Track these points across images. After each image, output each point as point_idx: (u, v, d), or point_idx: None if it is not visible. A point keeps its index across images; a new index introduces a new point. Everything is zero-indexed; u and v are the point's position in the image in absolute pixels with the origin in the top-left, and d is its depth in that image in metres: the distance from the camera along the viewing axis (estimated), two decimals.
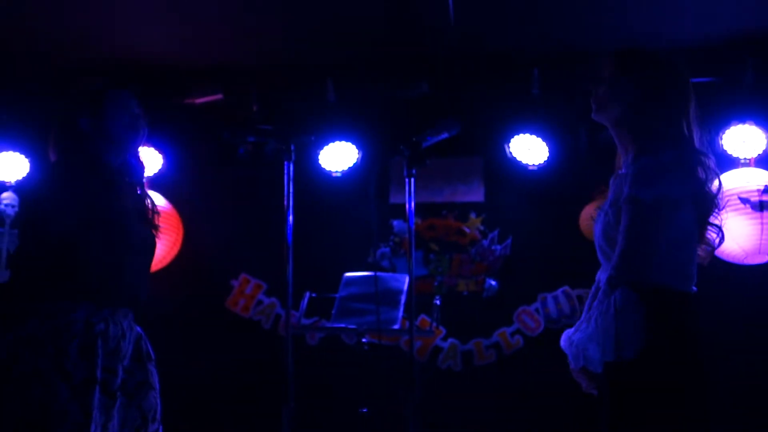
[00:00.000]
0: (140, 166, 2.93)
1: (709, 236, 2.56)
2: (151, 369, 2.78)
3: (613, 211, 2.49)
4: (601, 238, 2.56)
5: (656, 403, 2.33)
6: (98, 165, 2.75)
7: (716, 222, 2.55)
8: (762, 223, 4.40)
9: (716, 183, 2.52)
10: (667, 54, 2.66)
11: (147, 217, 2.87)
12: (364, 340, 3.96)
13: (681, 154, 2.45)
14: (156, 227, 2.90)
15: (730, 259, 4.60)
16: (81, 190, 2.65)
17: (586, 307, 2.77)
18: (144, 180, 2.97)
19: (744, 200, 4.45)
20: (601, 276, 2.60)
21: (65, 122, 2.79)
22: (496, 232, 5.29)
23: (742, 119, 4.73)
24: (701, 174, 2.46)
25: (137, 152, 2.93)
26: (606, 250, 2.53)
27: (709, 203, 2.51)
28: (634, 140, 2.54)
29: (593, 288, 2.79)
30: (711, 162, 2.51)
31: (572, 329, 2.72)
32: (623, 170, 2.55)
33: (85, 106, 2.79)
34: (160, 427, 2.77)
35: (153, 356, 2.81)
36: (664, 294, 2.41)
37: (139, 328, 2.78)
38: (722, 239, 2.58)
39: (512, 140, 5.03)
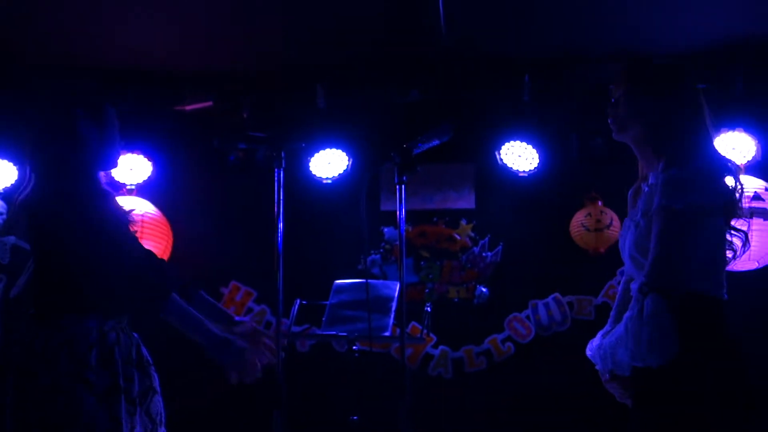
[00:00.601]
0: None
1: (734, 242, 2.58)
2: (153, 373, 2.78)
3: (645, 222, 2.50)
4: (633, 248, 2.56)
5: (684, 411, 2.32)
6: (84, 175, 2.73)
7: (742, 228, 2.57)
8: (751, 230, 4.41)
9: (740, 189, 2.54)
10: (677, 64, 2.69)
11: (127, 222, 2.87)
12: (354, 347, 3.94)
13: (709, 163, 2.48)
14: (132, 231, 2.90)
15: None
16: (83, 202, 2.63)
17: (612, 316, 2.79)
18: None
19: None
20: (633, 285, 2.61)
21: (62, 124, 2.74)
22: (486, 239, 5.29)
23: (732, 126, 4.75)
24: (728, 182, 2.50)
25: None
26: (639, 260, 2.54)
27: (736, 210, 2.53)
28: (660, 153, 2.55)
29: (619, 295, 2.80)
30: (736, 169, 2.54)
31: (597, 338, 2.74)
32: (652, 181, 2.56)
33: (87, 110, 2.76)
34: (165, 430, 2.78)
35: (151, 360, 2.81)
36: (696, 300, 2.42)
37: (136, 335, 2.78)
38: (748, 245, 2.61)
39: (503, 147, 5.03)
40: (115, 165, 2.87)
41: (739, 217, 2.54)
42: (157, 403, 2.75)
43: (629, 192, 2.72)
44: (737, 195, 2.52)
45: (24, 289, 2.71)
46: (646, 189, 2.61)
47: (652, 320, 2.32)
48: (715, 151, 2.56)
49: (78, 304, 2.56)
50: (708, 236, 2.46)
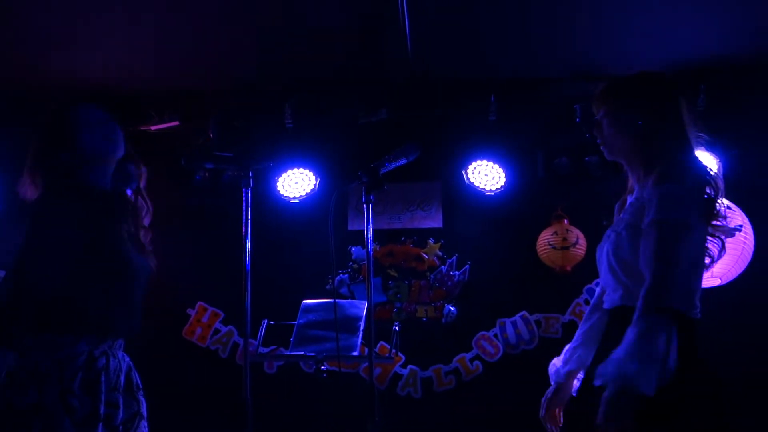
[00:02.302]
0: (131, 174, 2.85)
1: (710, 248, 2.56)
2: (141, 399, 2.75)
3: (628, 234, 2.48)
4: (612, 258, 2.53)
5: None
6: (86, 192, 2.69)
7: (719, 232, 2.56)
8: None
9: (720, 192, 2.54)
10: (655, 73, 2.68)
11: (139, 242, 2.82)
12: (323, 367, 3.92)
13: (699, 175, 2.47)
14: (144, 248, 2.84)
15: None
16: (75, 224, 2.59)
17: (581, 328, 2.77)
18: (137, 185, 2.89)
19: None
20: (608, 298, 2.60)
21: (44, 156, 2.72)
22: (454, 258, 5.30)
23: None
24: (712, 192, 2.49)
25: (128, 160, 2.87)
26: (617, 270, 2.52)
27: (717, 215, 2.52)
28: (650, 166, 2.54)
29: (591, 306, 2.80)
30: (718, 178, 2.53)
31: (563, 354, 2.72)
32: (638, 194, 2.55)
33: (61, 137, 2.72)
34: None
35: (141, 386, 2.77)
36: (686, 322, 2.38)
37: (128, 359, 2.75)
38: (724, 251, 2.59)
39: (470, 166, 5.06)
40: (112, 166, 2.81)
41: (718, 220, 2.53)
42: (143, 429, 2.72)
43: (616, 205, 2.70)
44: (719, 204, 2.51)
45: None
46: (632, 200, 2.61)
47: (648, 343, 2.22)
48: (697, 158, 2.56)
49: (72, 322, 2.53)
50: (696, 253, 2.43)
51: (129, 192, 2.85)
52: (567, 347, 2.78)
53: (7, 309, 2.53)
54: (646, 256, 2.36)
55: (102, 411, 2.52)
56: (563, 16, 4.02)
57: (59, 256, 2.56)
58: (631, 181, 2.67)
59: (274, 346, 4.61)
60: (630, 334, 2.26)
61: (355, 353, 3.87)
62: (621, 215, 2.63)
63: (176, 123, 5.00)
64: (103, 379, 2.56)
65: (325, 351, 3.83)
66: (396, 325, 4.08)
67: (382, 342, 4.90)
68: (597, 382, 2.23)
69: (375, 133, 4.95)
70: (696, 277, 2.44)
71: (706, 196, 2.47)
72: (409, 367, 5.15)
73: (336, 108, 4.95)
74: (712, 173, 2.52)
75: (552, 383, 2.79)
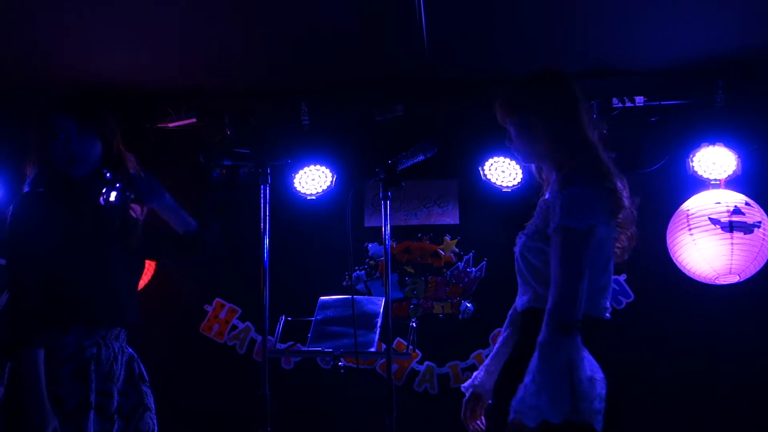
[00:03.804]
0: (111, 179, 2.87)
1: (620, 245, 2.57)
2: (146, 390, 2.77)
3: (535, 238, 2.50)
4: (521, 261, 2.55)
5: None
6: (67, 184, 2.72)
7: (626, 231, 2.55)
8: (732, 244, 4.45)
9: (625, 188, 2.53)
10: (544, 72, 2.67)
11: (126, 231, 2.84)
12: (340, 363, 3.93)
13: (605, 180, 2.46)
14: (131, 241, 2.84)
15: (702, 280, 4.64)
16: (53, 214, 2.62)
17: (501, 338, 2.78)
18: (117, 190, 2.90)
19: (714, 221, 4.50)
20: (519, 300, 2.61)
21: (33, 147, 2.78)
22: (471, 255, 5.30)
23: (712, 141, 4.79)
24: (619, 194, 2.48)
25: (122, 162, 2.88)
26: (525, 274, 2.54)
27: (627, 219, 2.53)
28: (561, 169, 2.54)
29: (510, 314, 2.81)
30: (622, 180, 2.53)
31: (479, 372, 2.77)
32: (550, 198, 2.54)
33: (39, 130, 2.77)
34: None
35: (147, 377, 2.79)
36: (594, 324, 2.41)
37: (131, 350, 2.76)
38: (634, 241, 2.58)
39: (487, 163, 5.05)
40: (90, 165, 2.80)
41: (625, 216, 2.51)
42: (149, 420, 2.73)
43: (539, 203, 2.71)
44: (625, 202, 2.50)
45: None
46: (540, 203, 2.62)
47: (552, 370, 2.22)
48: (598, 156, 2.53)
49: (60, 315, 2.55)
50: (605, 252, 2.45)
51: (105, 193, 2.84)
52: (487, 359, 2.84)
53: (30, 306, 2.54)
54: (552, 263, 2.36)
55: (93, 399, 2.53)
56: (578, 12, 4.00)
57: (43, 247, 2.58)
58: (544, 184, 2.68)
59: (292, 342, 4.64)
60: (535, 360, 2.25)
61: (373, 349, 3.88)
62: (533, 219, 2.62)
63: (193, 120, 5.01)
64: (92, 368, 2.56)
65: (343, 347, 3.85)
66: (413, 322, 4.09)
67: (399, 338, 4.91)
68: (511, 416, 2.24)
69: (391, 130, 4.95)
70: (602, 279, 2.45)
71: (608, 193, 2.45)
72: (426, 363, 5.15)
73: (352, 105, 4.95)
74: (612, 170, 2.50)
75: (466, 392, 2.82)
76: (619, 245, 2.57)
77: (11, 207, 2.67)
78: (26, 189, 2.74)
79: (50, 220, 2.62)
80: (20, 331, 2.49)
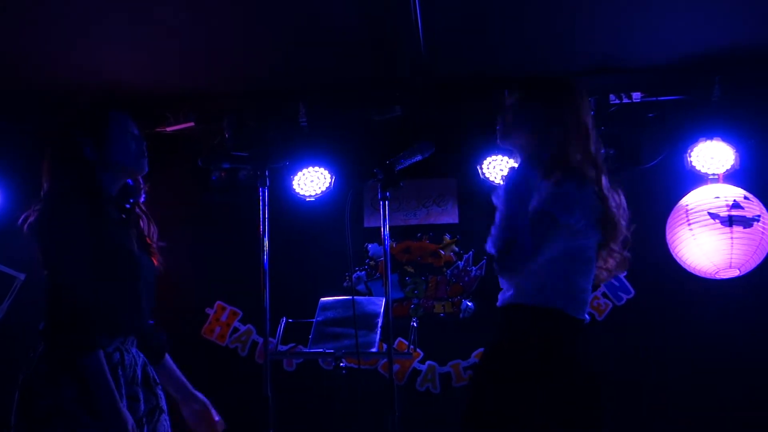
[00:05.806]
0: (136, 188, 2.88)
1: (612, 260, 2.67)
2: (160, 393, 2.77)
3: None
4: (490, 245, 2.72)
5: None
6: (98, 195, 2.70)
7: (618, 248, 2.66)
8: (731, 238, 4.45)
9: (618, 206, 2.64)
10: (569, 80, 2.77)
11: (144, 242, 2.85)
12: (342, 364, 3.94)
13: (588, 182, 2.56)
14: (151, 252, 2.86)
15: (702, 274, 4.65)
16: (86, 225, 2.60)
17: None
18: (139, 201, 2.91)
19: (713, 215, 4.50)
20: (501, 297, 2.80)
21: (65, 148, 2.71)
22: (471, 254, 5.30)
23: (710, 136, 4.79)
24: (601, 201, 2.56)
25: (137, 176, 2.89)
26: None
27: (612, 229, 2.61)
28: (540, 162, 2.62)
29: None
30: (611, 190, 2.63)
31: None
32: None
33: (89, 132, 2.71)
34: None
35: (158, 380, 2.79)
36: (557, 317, 2.54)
37: (142, 355, 2.77)
38: (625, 263, 2.72)
39: (485, 161, 5.06)
40: (128, 177, 2.83)
41: (618, 236, 2.63)
42: (164, 423, 2.74)
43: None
44: (612, 213, 2.59)
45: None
46: None
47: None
48: (596, 169, 2.62)
49: (84, 323, 2.54)
50: (580, 255, 2.58)
51: (128, 205, 2.86)
52: None
53: (87, 308, 2.54)
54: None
55: (125, 404, 2.54)
56: (578, 9, 4.01)
57: (74, 258, 2.57)
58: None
59: (293, 344, 4.64)
60: None
61: (374, 350, 3.89)
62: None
63: (191, 124, 5.01)
64: (120, 372, 2.57)
65: (344, 348, 3.85)
66: (414, 321, 4.10)
67: (400, 338, 4.91)
68: None
69: (389, 130, 4.95)
70: (573, 275, 2.59)
71: (598, 205, 2.57)
72: (428, 362, 5.15)
73: (350, 106, 4.95)
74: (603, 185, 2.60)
75: None
76: (606, 266, 2.70)
77: (47, 214, 2.62)
78: (58, 198, 2.68)
79: (88, 229, 2.60)
80: (84, 332, 2.49)
